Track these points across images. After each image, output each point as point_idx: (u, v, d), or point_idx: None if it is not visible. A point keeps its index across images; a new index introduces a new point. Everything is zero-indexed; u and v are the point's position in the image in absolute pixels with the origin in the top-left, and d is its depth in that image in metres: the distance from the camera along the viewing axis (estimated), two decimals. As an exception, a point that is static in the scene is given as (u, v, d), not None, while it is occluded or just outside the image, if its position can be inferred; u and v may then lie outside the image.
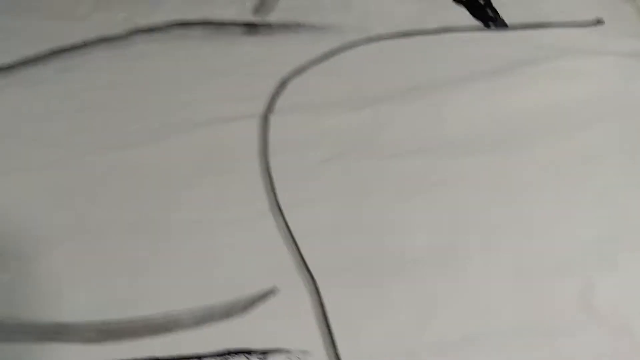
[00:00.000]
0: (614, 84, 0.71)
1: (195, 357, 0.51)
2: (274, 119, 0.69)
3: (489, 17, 0.80)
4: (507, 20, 0.80)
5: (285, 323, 0.53)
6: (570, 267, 0.57)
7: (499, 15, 0.80)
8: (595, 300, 0.54)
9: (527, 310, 0.54)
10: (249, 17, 0.82)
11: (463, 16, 0.81)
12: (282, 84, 0.73)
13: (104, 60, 0.76)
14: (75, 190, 0.63)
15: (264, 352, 0.51)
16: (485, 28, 0.79)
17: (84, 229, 0.60)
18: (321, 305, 0.54)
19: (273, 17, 0.83)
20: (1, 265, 0.56)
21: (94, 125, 0.68)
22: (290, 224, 0.59)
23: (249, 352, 0.51)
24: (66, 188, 0.63)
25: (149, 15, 0.82)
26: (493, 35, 0.78)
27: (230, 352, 0.51)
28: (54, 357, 0.52)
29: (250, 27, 0.81)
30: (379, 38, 0.78)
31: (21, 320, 0.53)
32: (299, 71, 0.75)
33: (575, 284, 0.56)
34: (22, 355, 0.52)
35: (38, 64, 0.75)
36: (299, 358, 0.51)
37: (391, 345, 0.52)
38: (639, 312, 0.54)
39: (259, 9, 0.84)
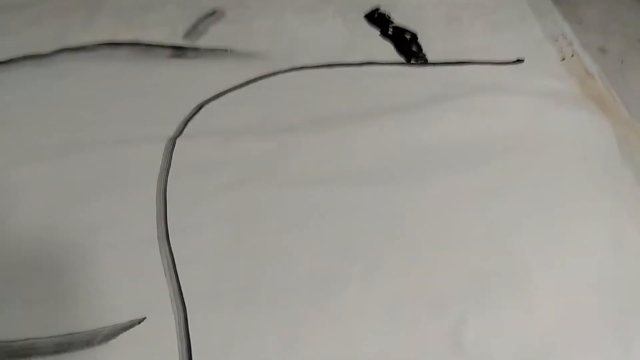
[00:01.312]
0: (523, 121, 0.71)
1: (50, 385, 0.50)
2: (180, 143, 0.68)
3: (412, 53, 0.81)
4: (431, 55, 0.81)
5: (147, 353, 0.51)
6: (445, 302, 0.55)
7: (422, 51, 0.81)
8: (464, 337, 0.53)
9: (395, 344, 0.53)
10: (179, 41, 0.83)
11: (387, 51, 0.81)
12: (198, 109, 0.73)
13: (27, 77, 0.77)
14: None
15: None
16: (407, 63, 0.79)
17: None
18: (187, 336, 0.53)
19: (202, 42, 0.83)
20: None
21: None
22: (174, 250, 0.58)
23: (104, 382, 0.50)
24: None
25: (80, 35, 0.82)
26: (413, 71, 0.78)
27: (85, 382, 0.50)
28: None
29: (178, 50, 0.82)
30: (302, 67, 0.78)
31: None
32: (217, 96, 0.74)
33: (447, 320, 0.54)
34: None
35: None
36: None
37: None
38: (504, 351, 0.53)
39: (190, 33, 0.85)
